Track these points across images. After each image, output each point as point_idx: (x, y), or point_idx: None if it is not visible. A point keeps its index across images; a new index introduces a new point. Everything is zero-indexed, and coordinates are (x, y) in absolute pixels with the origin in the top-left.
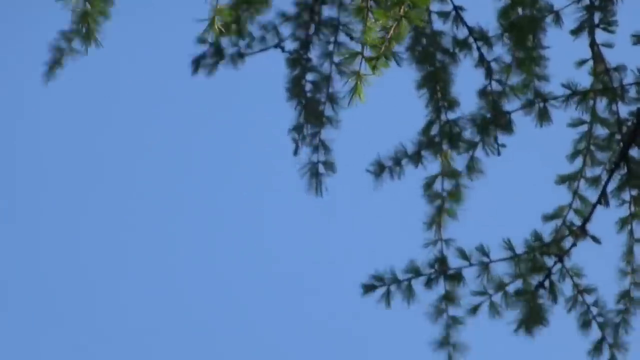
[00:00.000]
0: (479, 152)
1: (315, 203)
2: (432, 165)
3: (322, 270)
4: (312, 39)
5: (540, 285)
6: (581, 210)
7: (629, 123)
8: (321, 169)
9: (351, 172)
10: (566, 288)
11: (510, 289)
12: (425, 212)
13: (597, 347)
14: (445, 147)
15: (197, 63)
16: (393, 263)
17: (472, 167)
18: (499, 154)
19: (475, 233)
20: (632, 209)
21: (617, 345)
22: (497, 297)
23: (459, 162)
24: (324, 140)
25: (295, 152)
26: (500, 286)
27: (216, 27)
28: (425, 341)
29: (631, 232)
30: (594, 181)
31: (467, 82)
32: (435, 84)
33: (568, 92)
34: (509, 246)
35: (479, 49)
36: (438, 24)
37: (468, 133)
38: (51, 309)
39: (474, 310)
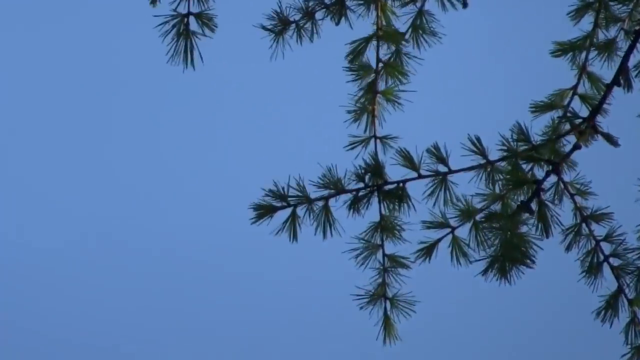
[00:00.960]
0: (431, 4)
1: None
2: (362, 24)
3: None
4: None
5: (524, 206)
6: (590, 95)
7: None
8: (193, 25)
9: (238, 32)
10: (565, 213)
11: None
12: (352, 95)
13: (610, 304)
14: None
15: None
16: (301, 173)
17: (420, 27)
18: (465, 5)
19: (427, 128)
20: None
21: None
22: (464, 230)
23: (404, 19)
24: None
25: (154, 2)
26: (469, 213)
27: None
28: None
29: None
30: (608, 49)
31: None
32: None
33: None
34: (478, 148)
35: None
36: None
37: None
38: None
39: (428, 251)
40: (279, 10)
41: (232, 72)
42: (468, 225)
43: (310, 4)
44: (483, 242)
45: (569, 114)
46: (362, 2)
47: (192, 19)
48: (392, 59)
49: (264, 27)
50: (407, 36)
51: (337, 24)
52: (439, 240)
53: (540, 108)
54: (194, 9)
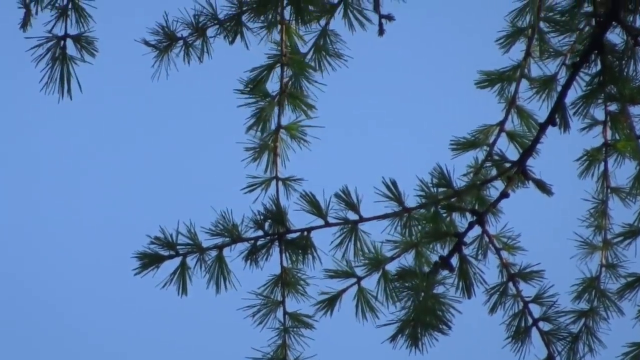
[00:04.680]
0: (337, 23)
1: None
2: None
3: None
4: None
5: (443, 262)
6: (520, 133)
7: None
8: (71, 49)
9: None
10: (489, 271)
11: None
12: (249, 128)
13: None
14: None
15: None
16: (191, 218)
17: (323, 48)
18: (381, 33)
19: (336, 170)
20: (608, 135)
21: None
22: (372, 282)
23: (309, 37)
24: None
25: (24, 25)
26: (377, 262)
27: None
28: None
29: (605, 177)
30: (545, 85)
31: None
32: None
33: None
34: (393, 194)
35: None
36: None
37: None
38: None
39: (330, 304)
40: (165, 25)
41: (114, 99)
42: (376, 276)
43: (202, 19)
44: (393, 296)
45: (496, 156)
46: (263, 24)
47: (69, 42)
48: (293, 87)
49: (146, 43)
50: (307, 58)
51: (232, 42)
52: (343, 291)
53: (461, 146)
54: (72, 31)
